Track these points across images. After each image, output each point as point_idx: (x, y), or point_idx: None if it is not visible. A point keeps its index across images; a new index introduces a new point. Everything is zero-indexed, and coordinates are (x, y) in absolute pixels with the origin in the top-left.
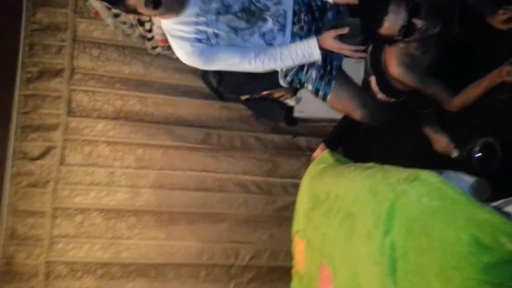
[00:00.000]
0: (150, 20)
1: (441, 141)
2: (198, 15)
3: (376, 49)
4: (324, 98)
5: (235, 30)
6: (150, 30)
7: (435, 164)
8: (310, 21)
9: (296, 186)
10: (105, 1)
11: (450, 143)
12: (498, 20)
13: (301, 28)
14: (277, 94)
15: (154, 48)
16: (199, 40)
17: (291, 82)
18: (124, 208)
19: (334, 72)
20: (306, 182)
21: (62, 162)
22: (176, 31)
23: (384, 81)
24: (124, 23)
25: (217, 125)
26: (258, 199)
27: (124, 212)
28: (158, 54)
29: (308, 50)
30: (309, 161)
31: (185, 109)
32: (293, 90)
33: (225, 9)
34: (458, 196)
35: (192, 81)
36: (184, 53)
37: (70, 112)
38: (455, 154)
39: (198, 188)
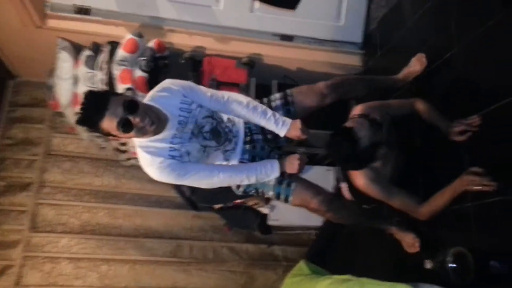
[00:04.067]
0: None
1: (407, 239)
2: (174, 136)
3: None
4: (286, 200)
5: (205, 147)
6: (124, 143)
7: (411, 273)
8: (262, 141)
9: None
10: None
11: (415, 237)
12: (453, 132)
13: (253, 146)
14: (250, 202)
15: (128, 159)
16: (172, 157)
17: (245, 191)
18: None
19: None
20: None
21: (18, 283)
22: (150, 148)
23: (355, 188)
24: (99, 137)
25: (188, 236)
26: None
27: None
28: (132, 166)
29: (269, 171)
30: (285, 271)
31: (155, 220)
32: (267, 198)
33: (198, 130)
34: None
35: (164, 191)
36: (155, 168)
37: (33, 228)
38: (428, 265)
39: None
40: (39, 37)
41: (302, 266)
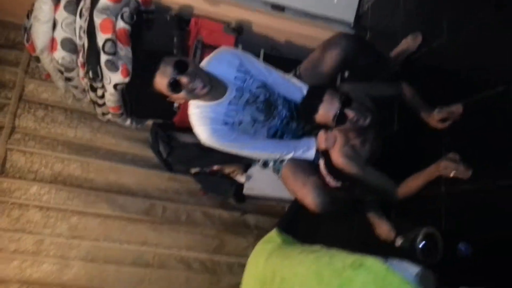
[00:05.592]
0: (103, 87)
1: (382, 227)
2: (230, 103)
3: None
4: (278, 172)
5: (254, 121)
6: (102, 96)
7: (380, 248)
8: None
9: (242, 266)
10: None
11: (391, 230)
12: (434, 119)
13: (287, 123)
14: (227, 169)
15: (104, 114)
16: (225, 123)
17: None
18: (49, 281)
19: None
20: (251, 263)
21: None
22: (206, 110)
23: (332, 165)
24: (76, 87)
25: (162, 197)
26: (201, 278)
27: (49, 286)
28: (108, 121)
29: (306, 148)
30: (256, 239)
31: (129, 178)
32: (244, 167)
33: (254, 99)
34: (403, 287)
35: (140, 150)
36: (207, 131)
37: (2, 173)
38: (398, 242)
39: (135, 263)
40: None
41: (273, 235)
